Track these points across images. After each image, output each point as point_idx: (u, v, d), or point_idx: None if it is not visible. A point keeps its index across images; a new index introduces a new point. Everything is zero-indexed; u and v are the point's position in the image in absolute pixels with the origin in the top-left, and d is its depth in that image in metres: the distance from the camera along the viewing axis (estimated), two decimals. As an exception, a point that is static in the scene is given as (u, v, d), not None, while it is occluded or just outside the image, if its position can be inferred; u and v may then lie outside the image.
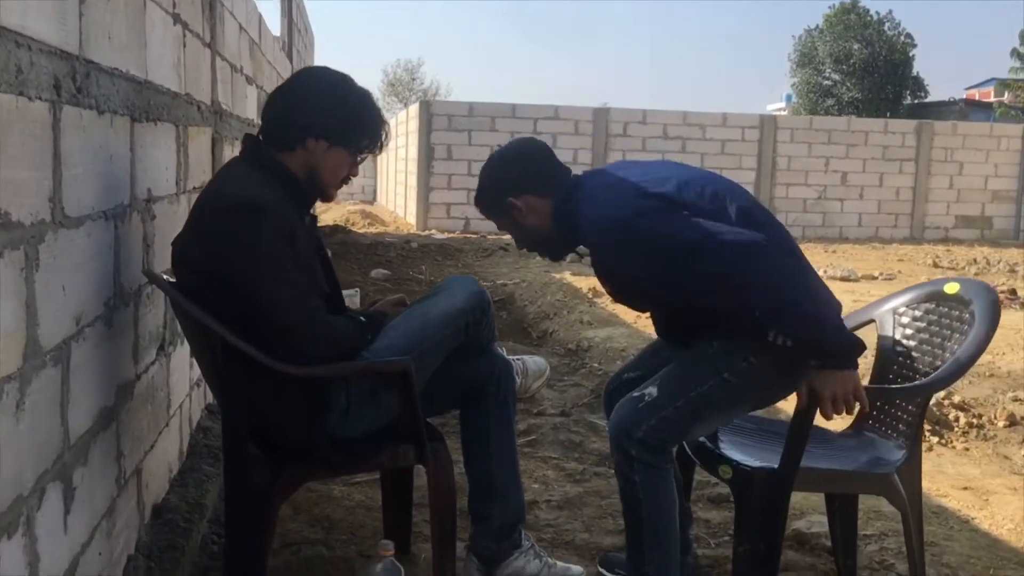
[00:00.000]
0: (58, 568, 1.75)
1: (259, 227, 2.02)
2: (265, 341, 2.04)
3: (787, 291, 2.05)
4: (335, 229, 12.87)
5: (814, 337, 2.07)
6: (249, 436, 2.14)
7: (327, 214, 15.73)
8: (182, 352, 3.01)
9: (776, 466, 2.18)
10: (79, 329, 1.86)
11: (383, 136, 2.34)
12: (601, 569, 2.64)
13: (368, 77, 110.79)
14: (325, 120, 2.21)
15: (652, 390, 2.21)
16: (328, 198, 2.34)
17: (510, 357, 2.56)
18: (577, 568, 2.56)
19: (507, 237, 9.96)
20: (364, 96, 2.30)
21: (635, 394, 2.24)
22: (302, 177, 2.22)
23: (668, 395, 2.19)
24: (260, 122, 2.34)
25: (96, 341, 1.98)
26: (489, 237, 12.52)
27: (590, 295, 7.35)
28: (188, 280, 2.10)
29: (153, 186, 2.53)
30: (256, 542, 2.09)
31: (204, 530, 2.73)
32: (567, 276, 8.27)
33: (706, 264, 2.06)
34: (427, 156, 14.66)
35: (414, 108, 15.53)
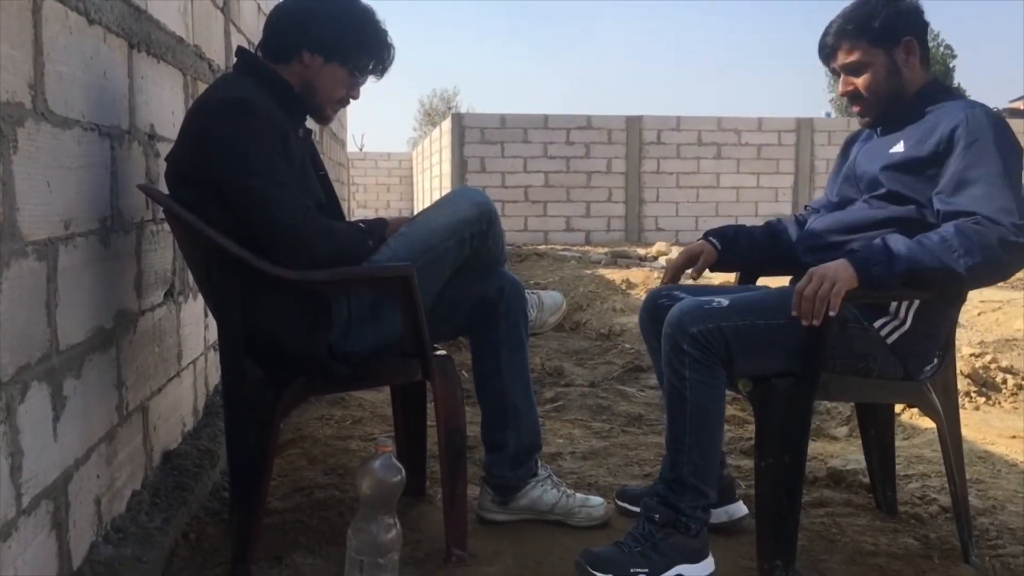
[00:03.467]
0: (46, 473, 1.71)
1: (246, 124, 1.96)
2: (260, 249, 1.98)
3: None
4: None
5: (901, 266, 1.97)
6: (249, 353, 2.07)
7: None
8: (195, 307, 2.98)
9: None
10: (68, 234, 1.82)
11: (385, 57, 2.28)
12: (619, 502, 2.53)
13: (405, 107, 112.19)
14: (321, 33, 2.15)
15: (722, 300, 2.12)
16: (323, 118, 2.28)
17: (526, 292, 2.47)
18: (597, 499, 2.44)
19: (541, 246, 9.83)
20: (366, 13, 2.23)
21: (703, 298, 2.16)
22: (297, 88, 2.16)
23: (736, 312, 2.09)
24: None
25: (90, 255, 1.94)
26: (524, 247, 12.46)
27: (623, 286, 7.25)
28: (181, 191, 2.04)
29: (157, 123, 2.50)
30: (258, 459, 2.01)
31: (216, 478, 2.67)
32: (599, 270, 8.18)
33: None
34: (461, 170, 14.66)
35: (446, 123, 15.57)
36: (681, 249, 2.55)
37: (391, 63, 2.31)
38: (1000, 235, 1.94)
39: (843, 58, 2.23)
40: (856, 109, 2.28)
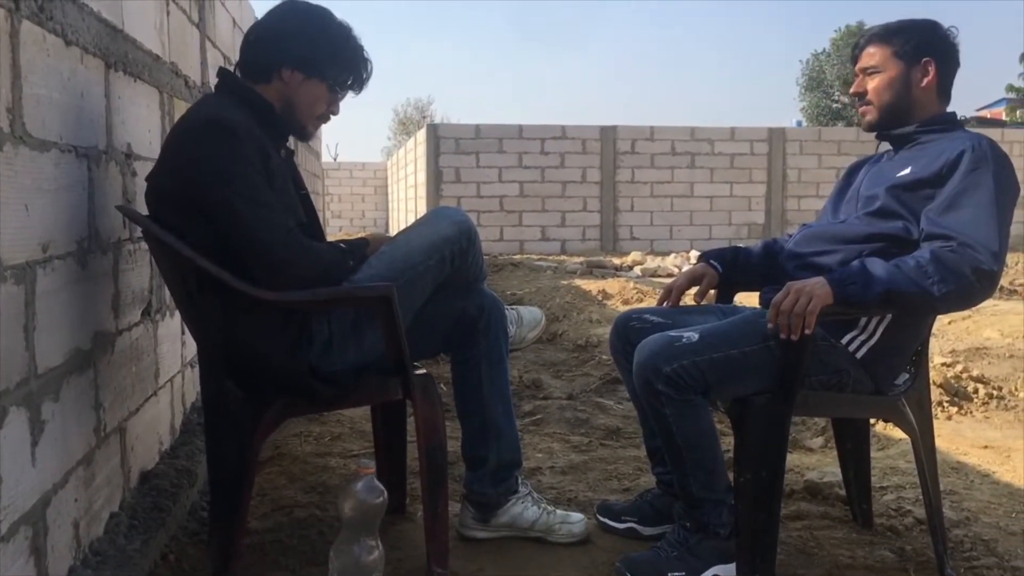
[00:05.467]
0: (25, 499, 1.69)
1: (228, 145, 1.96)
2: (241, 269, 1.98)
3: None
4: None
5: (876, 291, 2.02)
6: (229, 373, 2.06)
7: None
8: (172, 325, 2.96)
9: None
10: (46, 257, 1.81)
11: (363, 71, 2.28)
12: (600, 517, 2.54)
13: (380, 116, 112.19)
14: (300, 50, 2.16)
15: (692, 335, 2.15)
16: (304, 135, 2.29)
17: (505, 308, 2.48)
18: (577, 515, 2.45)
19: (517, 255, 9.86)
20: (343, 29, 2.23)
21: (672, 333, 2.18)
22: (278, 108, 2.16)
23: (708, 345, 2.12)
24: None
25: (67, 277, 1.93)
26: (499, 257, 12.47)
27: (599, 297, 7.27)
28: (161, 211, 2.04)
29: (134, 142, 2.50)
30: (238, 479, 2.00)
31: (194, 498, 2.66)
32: (576, 281, 8.20)
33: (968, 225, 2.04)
34: (436, 180, 14.67)
35: (421, 133, 15.58)
36: (683, 268, 2.55)
37: (369, 78, 2.32)
38: (974, 263, 1.99)
39: (865, 59, 2.32)
40: (860, 110, 2.36)
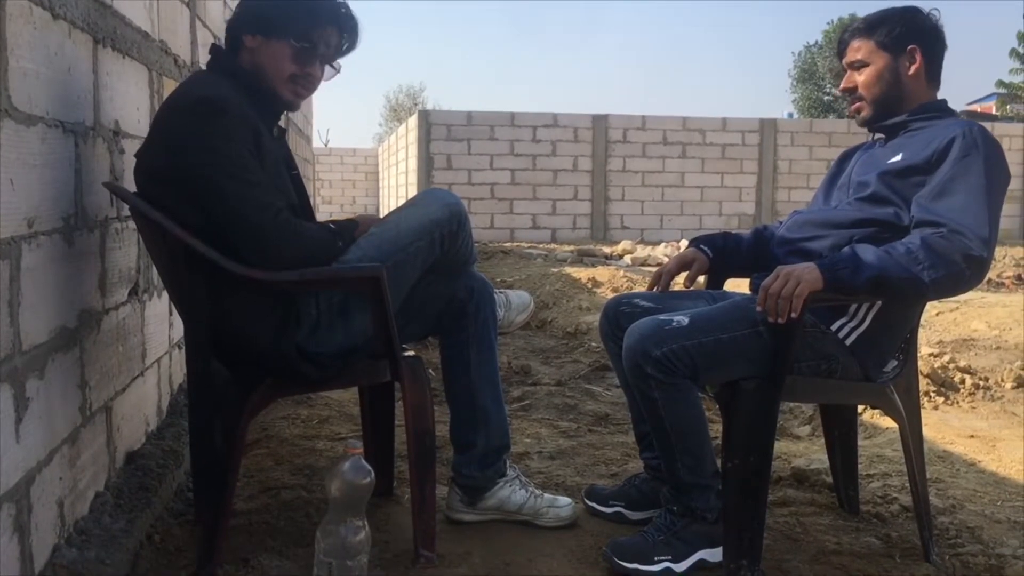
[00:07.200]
0: (8, 476, 1.68)
1: (219, 123, 1.93)
2: (230, 248, 1.96)
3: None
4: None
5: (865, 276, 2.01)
6: (215, 353, 2.05)
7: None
8: (160, 305, 2.94)
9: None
10: (32, 232, 1.79)
11: (324, 19, 2.15)
12: (587, 501, 2.54)
13: (371, 103, 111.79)
14: (254, 13, 2.13)
15: (682, 319, 2.15)
16: (281, 102, 2.19)
17: (494, 291, 2.48)
18: (565, 499, 2.45)
19: (507, 243, 9.87)
20: None
21: (662, 317, 2.18)
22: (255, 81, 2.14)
23: (697, 329, 2.12)
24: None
25: (53, 253, 1.91)
26: (490, 244, 12.45)
27: (589, 285, 7.27)
28: (150, 188, 2.02)
29: (122, 120, 2.47)
30: (224, 459, 1.99)
31: (180, 478, 2.65)
32: (566, 269, 8.20)
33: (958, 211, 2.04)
34: (427, 166, 14.62)
35: (413, 120, 15.52)
36: (673, 255, 2.54)
37: (334, 23, 2.18)
38: (964, 249, 1.99)
39: (850, 55, 2.31)
40: (853, 107, 2.35)
